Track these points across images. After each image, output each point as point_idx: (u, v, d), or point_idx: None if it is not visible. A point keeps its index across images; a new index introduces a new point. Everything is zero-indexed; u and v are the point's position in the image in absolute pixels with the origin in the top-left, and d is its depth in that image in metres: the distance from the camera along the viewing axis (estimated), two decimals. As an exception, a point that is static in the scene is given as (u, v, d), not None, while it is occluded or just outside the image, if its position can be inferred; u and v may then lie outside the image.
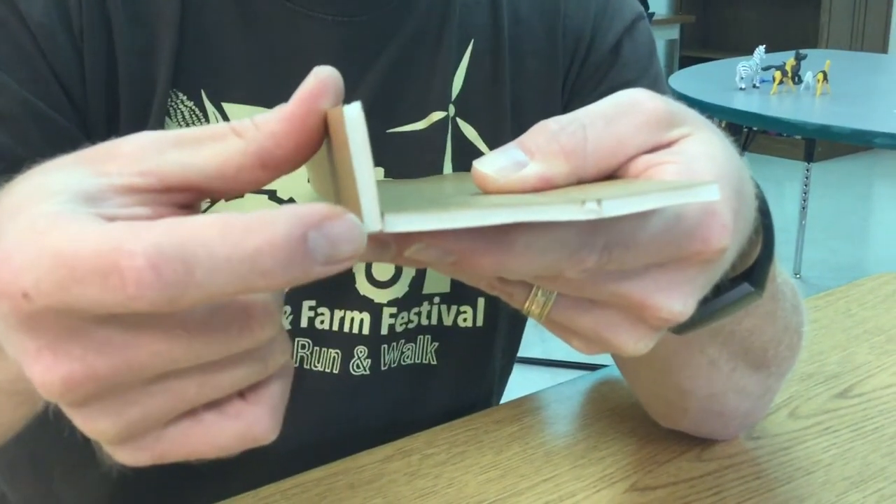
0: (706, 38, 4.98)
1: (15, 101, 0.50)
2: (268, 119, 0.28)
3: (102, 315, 0.24)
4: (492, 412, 0.64)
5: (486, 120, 0.60)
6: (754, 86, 2.29)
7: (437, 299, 0.62)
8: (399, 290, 0.60)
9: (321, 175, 0.34)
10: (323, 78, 0.28)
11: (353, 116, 0.25)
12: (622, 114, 0.31)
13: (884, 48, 4.57)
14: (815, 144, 3.11)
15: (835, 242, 3.42)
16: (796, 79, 2.26)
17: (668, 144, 0.32)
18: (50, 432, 0.61)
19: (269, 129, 0.28)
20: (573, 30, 0.62)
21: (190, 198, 0.28)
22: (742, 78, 2.27)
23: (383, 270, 0.60)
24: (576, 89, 0.62)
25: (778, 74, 2.23)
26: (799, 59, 2.29)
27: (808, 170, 3.02)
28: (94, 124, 0.53)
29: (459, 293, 0.62)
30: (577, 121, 0.30)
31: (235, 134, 0.28)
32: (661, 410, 0.58)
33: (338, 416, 0.61)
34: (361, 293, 0.60)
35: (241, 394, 0.28)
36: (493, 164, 0.30)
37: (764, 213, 0.41)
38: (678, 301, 0.30)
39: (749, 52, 2.43)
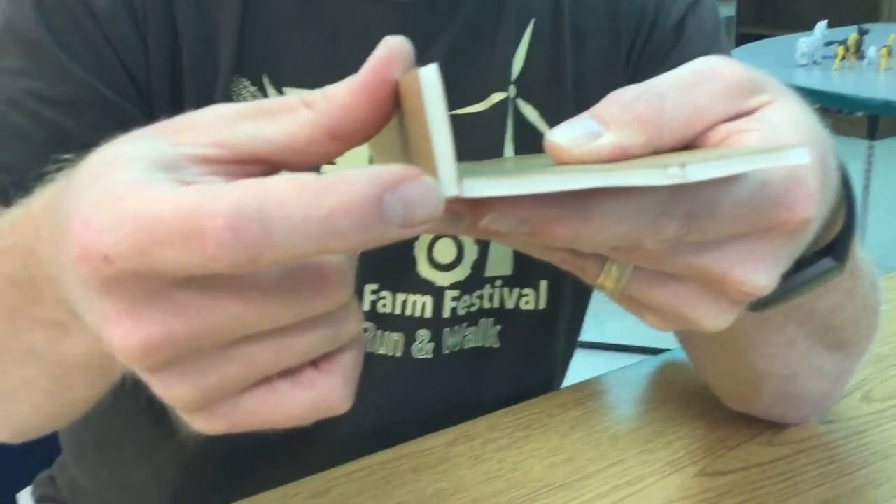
0: (763, 15, 4.87)
1: (82, 88, 0.51)
2: (338, 90, 0.28)
3: (181, 278, 0.25)
4: (554, 396, 0.63)
5: (547, 101, 0.59)
6: (815, 62, 2.22)
7: (499, 282, 0.61)
8: (461, 273, 0.60)
9: (389, 150, 0.33)
10: (393, 47, 0.28)
11: (429, 77, 0.24)
12: (700, 81, 0.30)
13: (950, 21, 4.41)
14: (878, 121, 3.02)
15: (894, 219, 3.33)
16: (859, 54, 2.19)
17: (748, 113, 0.31)
18: (121, 412, 0.63)
19: (339, 100, 0.28)
20: (636, 8, 0.61)
21: (262, 170, 0.28)
22: (803, 54, 2.21)
23: (445, 253, 0.59)
24: (639, 68, 0.61)
25: (840, 50, 2.17)
26: (862, 33, 2.22)
27: (871, 147, 2.93)
28: (158, 110, 0.54)
29: (522, 276, 0.61)
30: (652, 89, 0.29)
31: (306, 105, 0.28)
32: (732, 393, 0.57)
33: (401, 400, 0.61)
34: (423, 276, 0.59)
35: (315, 364, 0.28)
36: (566, 133, 0.29)
37: (846, 184, 0.40)
38: (761, 273, 0.29)
39: (806, 28, 2.37)
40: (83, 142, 0.31)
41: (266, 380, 0.27)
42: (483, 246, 0.60)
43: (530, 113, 0.59)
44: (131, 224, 0.24)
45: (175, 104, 0.54)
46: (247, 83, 0.55)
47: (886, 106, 1.76)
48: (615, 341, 2.31)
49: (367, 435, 0.61)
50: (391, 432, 0.60)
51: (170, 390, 0.26)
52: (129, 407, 0.62)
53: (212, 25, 0.55)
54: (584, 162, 0.29)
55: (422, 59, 0.65)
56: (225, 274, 0.24)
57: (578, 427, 0.59)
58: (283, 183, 0.23)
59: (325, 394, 0.27)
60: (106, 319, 0.25)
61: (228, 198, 0.23)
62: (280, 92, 0.56)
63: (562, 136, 0.29)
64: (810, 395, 0.54)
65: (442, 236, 0.59)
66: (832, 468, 0.54)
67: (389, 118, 0.29)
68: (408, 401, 0.61)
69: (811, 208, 0.29)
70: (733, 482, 0.53)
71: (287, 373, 0.27)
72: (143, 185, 0.25)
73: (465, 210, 0.28)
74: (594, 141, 0.29)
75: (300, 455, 0.62)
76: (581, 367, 0.73)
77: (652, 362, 0.68)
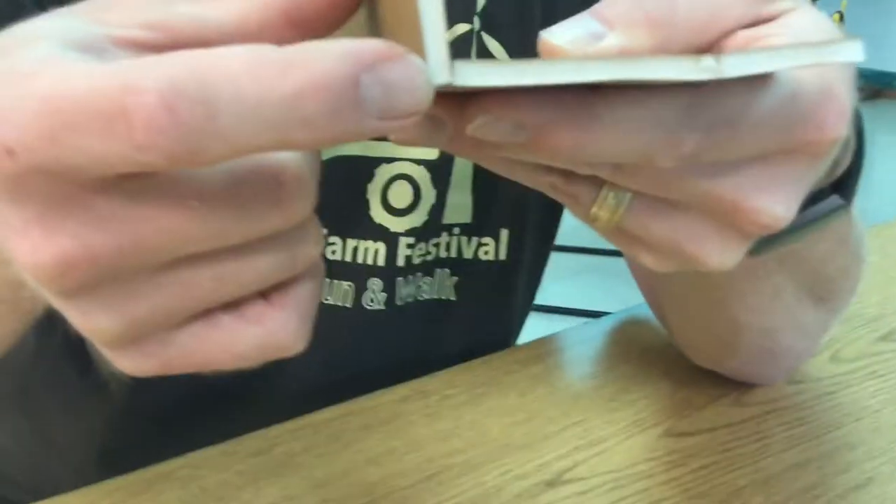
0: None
1: None
2: None
3: (103, 178, 0.20)
4: (513, 352, 0.60)
5: (513, 35, 0.55)
6: (766, 27, 2.22)
7: (457, 230, 0.57)
8: (417, 218, 0.56)
9: None
10: None
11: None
12: None
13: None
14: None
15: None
16: (810, 20, 2.19)
17: (770, 19, 0.27)
18: (42, 359, 0.58)
19: None
20: None
21: None
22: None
23: (401, 196, 0.55)
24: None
25: (791, 15, 2.17)
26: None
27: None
28: None
29: (482, 224, 0.58)
30: None
31: None
32: (705, 348, 0.54)
33: (350, 353, 0.57)
34: (377, 221, 0.55)
35: (265, 295, 0.23)
36: (565, 34, 0.24)
37: (857, 115, 0.36)
38: (780, 203, 0.26)
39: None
40: None
41: (206, 312, 0.23)
42: (441, 190, 0.56)
43: (495, 47, 0.55)
44: (38, 105, 0.19)
45: None
46: None
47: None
48: (557, 304, 2.30)
49: (313, 390, 0.57)
50: (340, 388, 0.56)
51: (89, 321, 0.22)
52: (51, 354, 0.57)
53: None
54: None
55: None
56: (158, 173, 0.20)
57: (538, 385, 0.56)
58: (235, 53, 0.19)
59: (276, 330, 0.23)
60: (11, 230, 0.21)
61: (162, 69, 0.18)
62: None
63: (561, 36, 0.24)
64: (788, 352, 0.52)
65: (397, 178, 0.55)
66: (803, 430, 0.51)
67: (356, 4, 0.25)
68: (358, 354, 0.57)
69: (842, 127, 0.25)
70: (701, 443, 0.50)
71: (232, 304, 0.23)
72: (55, 62, 0.20)
73: (448, 114, 0.24)
74: (597, 43, 0.25)
75: (240, 411, 0.57)
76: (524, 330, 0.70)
77: (612, 319, 0.65)
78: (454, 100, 0.24)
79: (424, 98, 0.20)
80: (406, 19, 0.21)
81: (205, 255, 0.22)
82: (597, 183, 0.27)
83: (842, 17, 2.07)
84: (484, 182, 0.57)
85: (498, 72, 0.21)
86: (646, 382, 0.56)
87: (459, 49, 0.54)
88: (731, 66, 0.21)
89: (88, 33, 0.21)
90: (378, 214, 0.55)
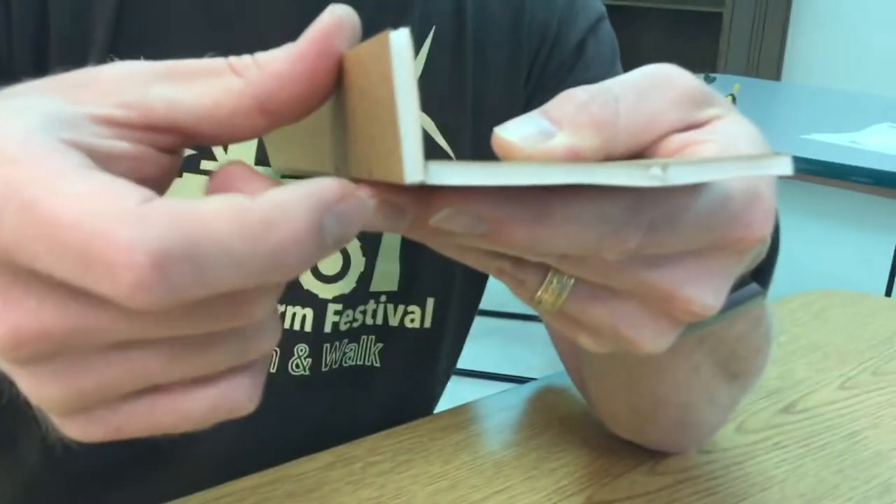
0: (611, 57, 5.09)
1: None
2: (273, 57, 0.24)
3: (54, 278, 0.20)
4: (435, 419, 0.60)
5: (444, 112, 0.57)
6: (664, 104, 2.33)
7: (384, 297, 0.58)
8: (346, 285, 0.56)
9: (312, 134, 0.30)
10: (341, 15, 0.25)
11: (402, 43, 0.21)
12: (655, 87, 0.29)
13: (777, 75, 4.76)
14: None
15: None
16: (704, 100, 2.31)
17: (701, 124, 0.30)
18: None
19: (273, 68, 0.24)
20: (538, 24, 0.60)
21: (174, 141, 0.25)
22: (653, 96, 2.31)
23: (330, 265, 0.56)
24: (539, 85, 0.60)
25: (688, 94, 2.27)
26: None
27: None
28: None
29: (409, 292, 0.59)
30: (608, 91, 0.28)
31: (233, 71, 0.24)
32: (624, 420, 0.56)
33: (274, 419, 0.57)
34: (305, 287, 0.56)
35: None
36: (517, 131, 0.26)
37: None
38: (709, 293, 0.28)
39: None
40: None
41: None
42: (370, 258, 0.57)
43: (427, 123, 0.57)
44: (18, 209, 0.19)
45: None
46: None
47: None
48: (478, 369, 2.32)
49: (235, 456, 0.56)
50: (262, 454, 0.56)
51: (39, 389, 0.22)
52: None
53: (85, 1, 0.49)
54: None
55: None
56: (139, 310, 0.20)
57: (461, 452, 0.56)
58: (220, 213, 0.20)
59: (230, 392, 0.24)
60: None
61: (154, 232, 0.19)
62: None
63: (514, 132, 0.26)
64: (704, 424, 0.54)
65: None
66: (715, 499, 0.53)
67: (328, 96, 0.26)
68: (282, 419, 0.57)
69: (768, 226, 0.28)
70: (619, 512, 0.52)
71: None
72: (40, 149, 0.20)
73: (411, 204, 0.25)
74: (547, 141, 0.27)
75: (156, 477, 0.56)
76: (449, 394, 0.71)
77: (532, 386, 0.66)
78: (418, 191, 0.25)
79: (365, 223, 0.22)
80: (380, 116, 0.22)
81: (158, 340, 0.22)
82: (543, 269, 0.28)
83: (734, 100, 2.19)
84: (411, 251, 0.58)
85: (468, 173, 0.22)
86: (566, 451, 0.57)
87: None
88: (676, 174, 0.24)
89: (66, 111, 0.22)
90: (307, 280, 0.56)
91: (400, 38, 0.21)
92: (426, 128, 0.57)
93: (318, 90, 0.25)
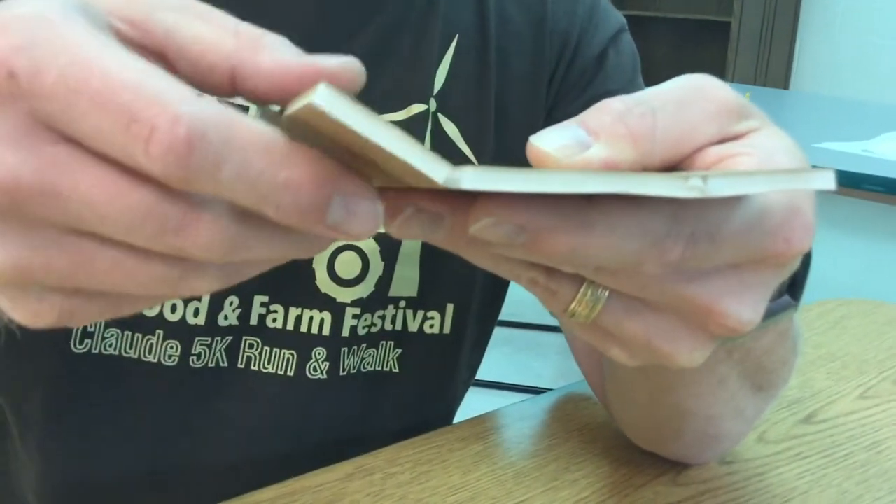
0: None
1: None
2: (268, 54, 0.25)
3: (68, 132, 0.22)
4: (455, 429, 0.60)
5: (468, 118, 0.57)
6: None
7: (403, 303, 0.58)
8: (364, 290, 0.56)
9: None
10: (344, 65, 0.25)
11: (328, 99, 0.21)
12: (693, 100, 0.28)
13: (786, 84, 4.75)
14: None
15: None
16: (714, 109, 2.30)
17: (738, 137, 0.29)
18: None
19: (263, 60, 0.25)
20: (560, 33, 0.60)
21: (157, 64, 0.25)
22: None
23: (348, 267, 0.56)
24: (561, 94, 0.60)
25: (697, 103, 2.27)
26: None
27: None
28: None
29: (428, 298, 0.58)
30: (645, 102, 0.27)
31: (234, 35, 0.25)
32: (649, 433, 0.55)
33: (290, 425, 0.56)
34: (322, 291, 0.55)
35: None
36: (553, 141, 0.26)
37: None
38: (748, 308, 0.28)
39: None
40: None
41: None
42: (389, 263, 0.57)
43: (450, 128, 0.57)
44: (69, 63, 0.21)
45: None
46: None
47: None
48: (496, 380, 2.30)
49: (253, 462, 0.56)
50: (278, 461, 0.56)
51: None
52: None
53: None
54: None
55: (338, 55, 0.61)
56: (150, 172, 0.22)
57: (481, 463, 0.56)
58: (257, 129, 0.22)
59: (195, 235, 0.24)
60: None
61: (202, 109, 0.21)
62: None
63: (550, 142, 0.26)
64: (729, 436, 0.54)
65: (345, 248, 0.55)
66: (737, 510, 0.53)
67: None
68: (300, 423, 0.57)
69: (808, 241, 0.28)
70: (642, 523, 0.51)
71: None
72: (87, 20, 0.22)
73: (449, 212, 0.25)
74: (583, 152, 0.26)
75: (173, 487, 0.56)
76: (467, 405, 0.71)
77: (551, 396, 0.66)
78: (457, 200, 0.25)
79: (365, 235, 0.24)
80: (377, 159, 0.23)
81: (111, 241, 0.23)
82: (577, 280, 0.28)
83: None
84: (431, 257, 0.58)
85: (505, 179, 0.22)
86: (586, 461, 0.57)
87: (415, 128, 0.55)
88: (716, 186, 0.23)
89: (90, 9, 0.23)
90: (324, 284, 0.55)
91: (321, 96, 0.21)
92: (450, 134, 0.57)
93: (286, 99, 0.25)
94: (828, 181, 0.24)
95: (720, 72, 4.58)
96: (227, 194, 0.22)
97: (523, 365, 2.47)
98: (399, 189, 0.25)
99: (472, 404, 0.71)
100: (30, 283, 0.24)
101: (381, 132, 0.21)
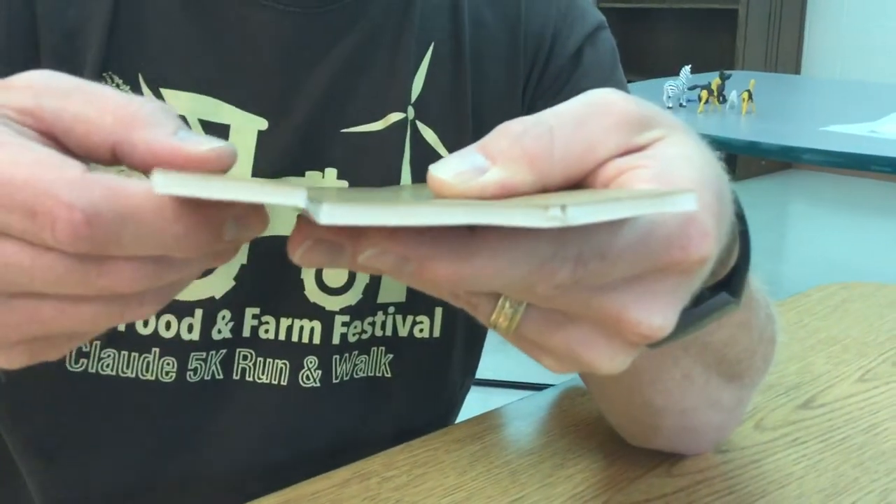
0: (626, 62, 5.08)
1: None
2: (146, 131, 0.28)
3: None
4: (451, 430, 0.61)
5: (446, 124, 0.58)
6: (681, 105, 2.32)
7: (391, 309, 0.59)
8: (352, 297, 0.57)
9: None
10: (218, 151, 0.28)
11: (163, 184, 0.25)
12: (592, 115, 0.29)
13: (797, 69, 4.72)
14: (736, 163, 3.17)
15: (754, 258, 3.49)
16: (721, 98, 2.30)
17: (641, 148, 0.29)
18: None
19: (138, 142, 0.28)
20: (534, 35, 0.60)
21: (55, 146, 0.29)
22: (669, 97, 2.30)
23: (335, 277, 0.56)
24: (537, 95, 0.60)
25: (704, 94, 2.26)
26: (724, 78, 2.32)
27: (730, 188, 3.07)
28: None
29: (416, 303, 0.59)
30: (543, 122, 0.28)
31: (112, 115, 0.28)
32: (630, 429, 0.56)
33: (286, 433, 0.57)
34: (311, 300, 0.56)
35: None
36: (450, 168, 0.27)
37: (740, 217, 0.39)
38: (657, 315, 0.28)
39: (667, 75, 2.46)
40: None
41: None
42: (376, 272, 0.57)
43: (429, 135, 0.57)
44: None
45: None
46: (119, 81, 0.51)
47: (750, 147, 1.85)
48: (491, 377, 2.31)
49: (248, 474, 0.57)
50: (276, 470, 0.57)
51: None
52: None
53: (77, 18, 0.51)
54: (468, 198, 0.27)
55: (312, 72, 0.63)
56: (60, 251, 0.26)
57: (477, 463, 0.56)
58: (143, 195, 0.26)
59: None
60: None
61: (91, 191, 0.25)
62: (157, 93, 0.52)
63: (446, 170, 0.27)
64: (708, 427, 0.54)
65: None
66: (732, 498, 0.53)
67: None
68: (295, 432, 0.57)
69: (706, 247, 0.28)
70: (636, 516, 0.52)
71: None
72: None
73: (344, 241, 0.26)
74: (479, 177, 0.27)
75: (174, 500, 0.57)
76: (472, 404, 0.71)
77: (548, 394, 0.66)
78: (349, 231, 0.26)
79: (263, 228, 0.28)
80: (255, 208, 0.28)
81: (49, 295, 0.27)
82: (494, 294, 0.29)
83: (750, 96, 2.18)
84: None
85: (360, 213, 0.23)
86: (582, 456, 0.57)
87: (394, 137, 0.56)
88: (575, 215, 0.23)
89: None
90: (313, 293, 0.56)
91: (159, 184, 0.25)
92: (429, 140, 0.58)
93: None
94: (689, 203, 0.25)
95: (730, 59, 4.55)
96: (135, 252, 0.26)
97: (524, 362, 2.47)
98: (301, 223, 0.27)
99: (474, 403, 0.72)
100: None
101: (228, 190, 0.24)
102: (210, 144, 0.28)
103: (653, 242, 0.27)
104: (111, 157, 0.29)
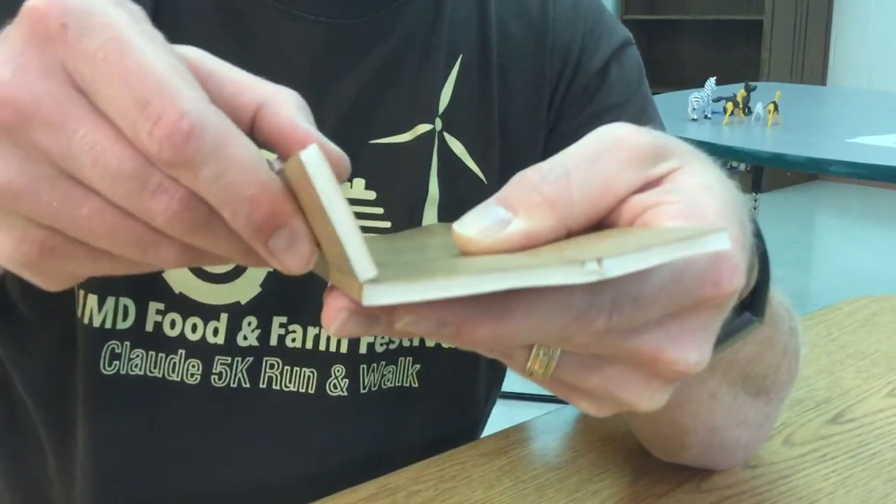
0: (651, 74, 5.06)
1: None
2: (289, 107, 0.29)
3: (81, 86, 0.26)
4: (478, 445, 0.61)
5: (473, 135, 0.58)
6: (706, 116, 2.31)
7: (419, 319, 0.59)
8: None
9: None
10: (344, 157, 0.29)
11: (314, 160, 0.23)
12: (605, 152, 0.29)
13: (823, 81, 4.69)
14: (763, 176, 3.16)
15: (781, 271, 3.46)
16: (747, 110, 2.29)
17: (659, 180, 0.30)
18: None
19: (282, 113, 0.28)
20: (561, 49, 0.60)
21: None
22: (694, 109, 2.29)
23: None
24: (563, 109, 0.60)
25: (730, 105, 2.25)
26: (749, 90, 2.31)
27: (755, 200, 3.06)
28: None
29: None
30: (558, 166, 0.28)
31: (264, 86, 0.29)
32: (659, 446, 0.55)
33: (315, 443, 0.58)
34: None
35: None
36: (474, 225, 0.27)
37: (758, 236, 0.39)
38: (693, 351, 0.28)
39: (692, 86, 2.46)
40: None
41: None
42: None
43: (457, 147, 0.58)
44: (113, 35, 0.25)
45: None
46: None
47: (776, 159, 1.84)
48: (517, 390, 2.31)
49: (281, 483, 0.57)
50: (307, 481, 0.57)
51: None
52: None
53: None
54: (497, 252, 0.27)
55: (341, 82, 0.64)
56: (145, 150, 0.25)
57: (504, 477, 0.56)
58: (247, 148, 0.26)
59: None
60: None
61: (208, 114, 0.25)
62: None
63: (470, 227, 0.27)
64: (736, 444, 0.53)
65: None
66: (761, 514, 0.53)
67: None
68: (324, 443, 0.58)
69: (737, 281, 0.28)
70: (664, 531, 0.51)
71: None
72: (131, 16, 0.26)
73: (378, 312, 0.26)
74: (504, 229, 0.27)
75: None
76: (498, 418, 0.71)
77: (573, 408, 0.66)
78: None
79: (295, 271, 0.27)
80: (325, 231, 0.25)
81: (97, 192, 0.26)
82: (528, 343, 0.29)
83: (776, 108, 2.16)
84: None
85: (402, 291, 0.23)
86: (608, 472, 0.57)
87: (421, 148, 0.57)
88: (612, 267, 0.23)
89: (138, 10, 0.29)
90: None
91: (310, 153, 0.23)
92: (457, 152, 0.58)
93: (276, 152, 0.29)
94: (722, 242, 0.25)
95: (755, 71, 4.53)
96: (200, 187, 0.25)
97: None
98: (338, 289, 0.26)
99: (510, 416, 0.72)
100: (14, 210, 0.27)
101: (337, 208, 0.23)
102: (338, 148, 0.28)
103: (685, 282, 0.27)
104: (249, 124, 0.29)
